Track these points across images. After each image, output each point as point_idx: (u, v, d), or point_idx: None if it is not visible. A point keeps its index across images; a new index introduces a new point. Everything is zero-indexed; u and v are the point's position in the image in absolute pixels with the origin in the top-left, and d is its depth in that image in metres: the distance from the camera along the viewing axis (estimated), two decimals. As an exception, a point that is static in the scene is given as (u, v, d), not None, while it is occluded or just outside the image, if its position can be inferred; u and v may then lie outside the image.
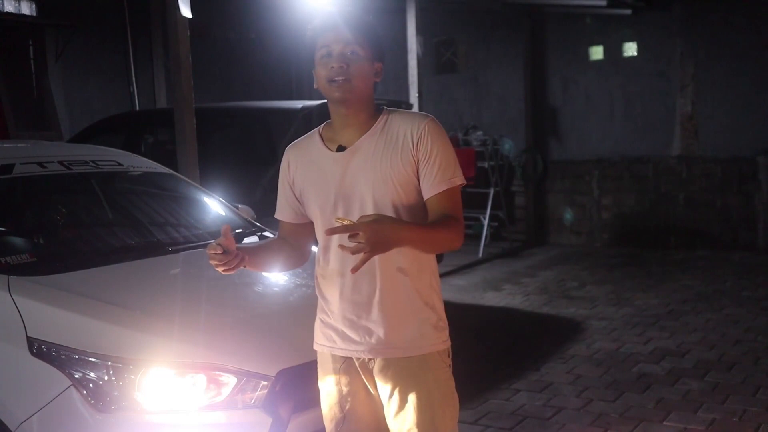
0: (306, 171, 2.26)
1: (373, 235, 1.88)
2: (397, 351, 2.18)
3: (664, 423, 4.09)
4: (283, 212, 2.36)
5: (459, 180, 2.17)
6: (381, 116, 2.21)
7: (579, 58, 10.01)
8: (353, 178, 2.16)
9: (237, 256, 2.12)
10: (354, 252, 1.89)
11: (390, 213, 2.13)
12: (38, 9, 8.02)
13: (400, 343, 2.18)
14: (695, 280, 7.61)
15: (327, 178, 2.20)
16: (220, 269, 2.12)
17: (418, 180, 2.16)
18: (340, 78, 2.12)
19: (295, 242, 2.37)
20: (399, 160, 2.14)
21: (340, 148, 2.20)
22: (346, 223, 1.92)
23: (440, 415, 2.22)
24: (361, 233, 1.87)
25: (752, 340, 5.50)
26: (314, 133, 2.30)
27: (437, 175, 2.14)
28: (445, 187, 2.14)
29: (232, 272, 2.15)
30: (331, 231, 1.93)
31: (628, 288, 7.39)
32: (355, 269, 1.91)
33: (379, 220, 1.93)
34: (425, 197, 2.17)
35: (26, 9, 7.94)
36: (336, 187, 2.18)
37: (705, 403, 4.33)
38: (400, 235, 1.96)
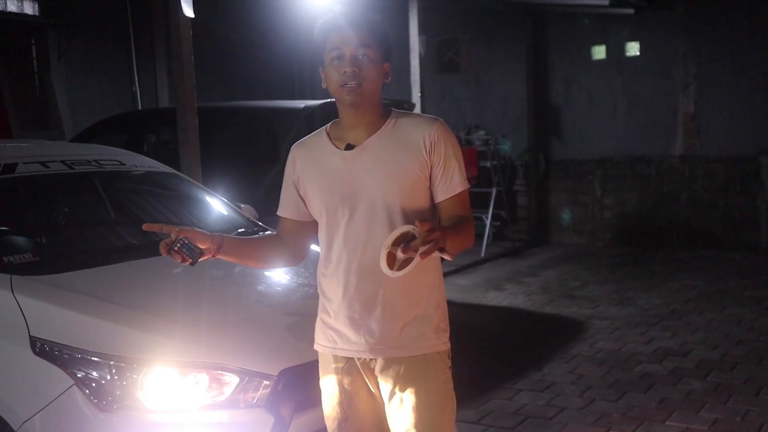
0: (312, 168, 2.25)
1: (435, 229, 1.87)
2: (398, 351, 2.19)
3: (667, 423, 4.09)
4: (285, 209, 2.34)
5: (467, 182, 2.22)
6: (390, 117, 2.21)
7: (581, 57, 10.00)
8: (361, 177, 2.16)
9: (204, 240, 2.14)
10: (429, 250, 1.86)
11: (397, 212, 2.14)
12: (41, 8, 8.02)
13: (400, 343, 2.18)
14: (698, 280, 7.60)
15: (333, 175, 2.20)
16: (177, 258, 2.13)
17: (429, 182, 2.17)
18: (353, 83, 2.11)
19: (293, 241, 2.36)
20: (410, 162, 2.15)
21: (349, 147, 2.19)
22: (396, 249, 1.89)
23: (439, 417, 2.22)
24: (431, 226, 1.86)
25: (755, 340, 5.50)
26: (321, 131, 2.29)
27: (452, 178, 2.17)
28: (459, 190, 2.18)
29: (208, 256, 2.17)
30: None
31: (631, 288, 7.39)
32: (425, 254, 1.87)
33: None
34: (439, 200, 2.19)
35: (29, 9, 7.95)
36: (343, 185, 2.18)
37: (707, 403, 4.33)
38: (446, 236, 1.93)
